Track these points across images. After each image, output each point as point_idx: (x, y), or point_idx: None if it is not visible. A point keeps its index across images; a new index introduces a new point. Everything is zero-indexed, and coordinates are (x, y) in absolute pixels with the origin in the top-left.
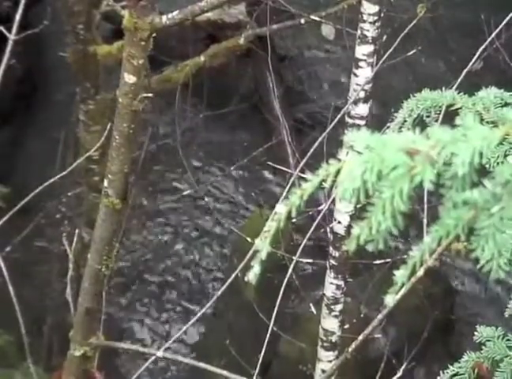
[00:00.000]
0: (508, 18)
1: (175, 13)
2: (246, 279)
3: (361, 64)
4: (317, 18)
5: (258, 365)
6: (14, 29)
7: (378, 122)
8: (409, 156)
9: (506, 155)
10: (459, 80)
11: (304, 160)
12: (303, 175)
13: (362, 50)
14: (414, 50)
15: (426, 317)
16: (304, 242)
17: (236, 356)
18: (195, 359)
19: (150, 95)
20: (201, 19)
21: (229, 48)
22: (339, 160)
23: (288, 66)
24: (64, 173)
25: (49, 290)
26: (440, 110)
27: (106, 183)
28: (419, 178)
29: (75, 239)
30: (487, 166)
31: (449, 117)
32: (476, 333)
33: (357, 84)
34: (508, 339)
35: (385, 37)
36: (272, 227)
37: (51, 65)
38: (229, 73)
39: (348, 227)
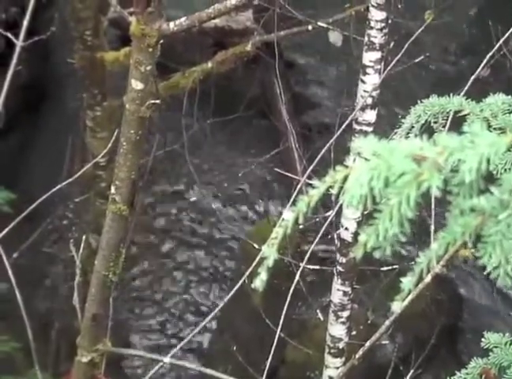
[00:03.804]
0: None
1: (183, 19)
2: (253, 285)
3: (368, 70)
4: (324, 25)
5: (265, 372)
6: (22, 35)
7: (385, 128)
8: (416, 163)
9: None
10: (467, 86)
11: (311, 167)
12: (310, 182)
13: (369, 57)
14: (422, 57)
15: (433, 324)
16: (311, 249)
17: (243, 362)
18: (202, 365)
19: (158, 101)
20: (208, 25)
21: (236, 55)
22: (346, 167)
23: (296, 73)
24: (71, 179)
25: (56, 297)
26: (447, 117)
27: (113, 189)
28: (426, 184)
29: (82, 245)
30: (495, 173)
31: (457, 123)
32: (483, 339)
33: (364, 91)
34: None
35: (392, 44)
36: (280, 234)
37: (58, 72)
38: (236, 79)
39: (355, 234)
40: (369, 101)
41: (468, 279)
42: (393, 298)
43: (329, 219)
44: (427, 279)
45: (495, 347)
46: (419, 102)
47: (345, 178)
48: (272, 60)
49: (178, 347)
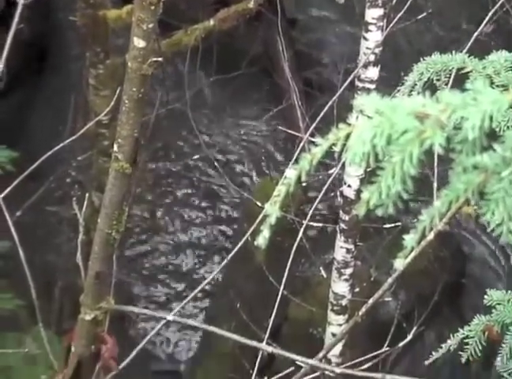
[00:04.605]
0: None
1: None
2: (255, 243)
3: (371, 27)
4: None
5: (269, 329)
6: None
7: (388, 86)
8: (419, 120)
9: None
10: (469, 43)
11: (314, 124)
12: (313, 139)
13: (372, 14)
14: (424, 14)
15: (436, 281)
16: (314, 206)
17: (246, 320)
18: (205, 323)
19: (160, 59)
20: None
21: (239, 12)
22: (349, 124)
23: (298, 30)
24: (74, 137)
25: (59, 255)
26: (450, 74)
27: (115, 147)
28: (429, 142)
29: (85, 203)
30: (498, 130)
31: (460, 80)
32: (486, 296)
33: (367, 48)
34: None
35: (394, 0)
36: (282, 192)
37: (61, 30)
38: (239, 36)
39: (358, 191)
40: (371, 58)
41: (471, 236)
42: (395, 256)
43: (331, 177)
44: (430, 236)
45: (498, 304)
46: (421, 59)
47: (348, 136)
48: (275, 17)
49: (182, 304)
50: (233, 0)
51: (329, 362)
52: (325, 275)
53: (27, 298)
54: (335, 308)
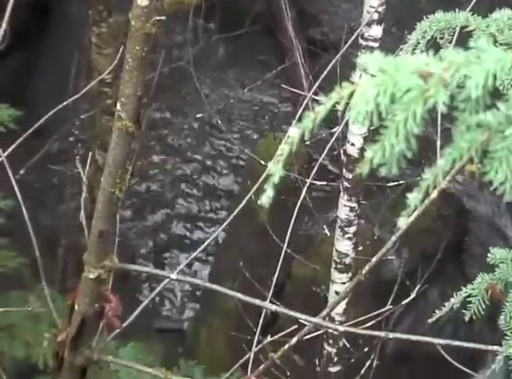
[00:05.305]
0: None
1: None
2: (259, 202)
3: None
4: None
5: (272, 287)
6: None
7: (391, 44)
8: (422, 79)
9: None
10: (473, 1)
11: (318, 82)
12: (316, 98)
13: None
14: None
15: (439, 239)
16: (318, 165)
17: (250, 278)
18: (209, 281)
19: (163, 18)
20: None
21: None
22: (352, 83)
23: None
24: (77, 96)
25: (63, 213)
26: (454, 32)
27: (119, 106)
28: (432, 100)
29: (88, 162)
30: (501, 88)
31: (463, 39)
32: (489, 255)
33: (371, 6)
34: None
35: None
36: (285, 151)
37: None
38: None
39: (362, 150)
40: (375, 16)
41: (474, 194)
42: (399, 214)
43: (335, 135)
44: (434, 194)
45: (501, 262)
46: (425, 17)
47: (351, 94)
48: None
49: (185, 262)
50: None
51: (332, 320)
52: (328, 234)
53: (30, 257)
54: (338, 266)
